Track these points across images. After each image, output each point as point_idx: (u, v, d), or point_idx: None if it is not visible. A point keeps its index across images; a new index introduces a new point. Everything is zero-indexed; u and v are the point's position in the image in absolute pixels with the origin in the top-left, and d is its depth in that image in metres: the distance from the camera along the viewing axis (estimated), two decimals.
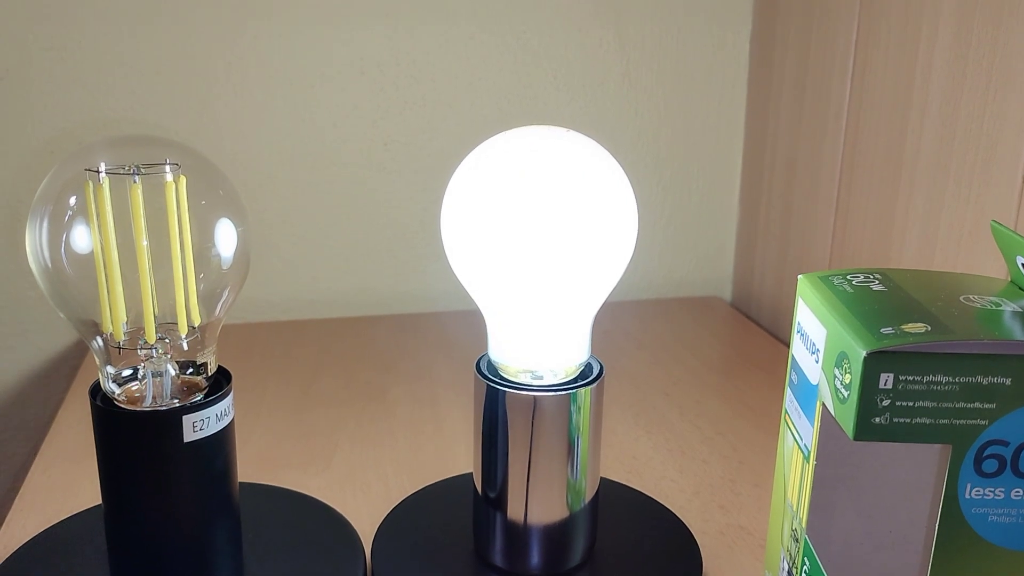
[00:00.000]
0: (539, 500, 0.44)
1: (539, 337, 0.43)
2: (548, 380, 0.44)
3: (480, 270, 0.42)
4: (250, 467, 0.58)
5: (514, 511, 0.44)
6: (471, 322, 0.85)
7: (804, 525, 0.37)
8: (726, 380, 0.73)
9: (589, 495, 0.45)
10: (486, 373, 0.44)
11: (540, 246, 0.40)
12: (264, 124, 0.84)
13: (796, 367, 0.39)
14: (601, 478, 0.48)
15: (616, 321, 0.87)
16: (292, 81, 0.83)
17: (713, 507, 0.54)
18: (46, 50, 0.78)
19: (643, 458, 0.60)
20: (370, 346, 0.81)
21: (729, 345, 0.83)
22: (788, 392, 0.40)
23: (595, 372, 0.45)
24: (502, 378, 0.44)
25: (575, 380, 0.44)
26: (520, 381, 0.44)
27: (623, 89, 0.90)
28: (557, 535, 0.45)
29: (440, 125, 0.87)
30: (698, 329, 0.86)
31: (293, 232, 0.88)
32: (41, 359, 0.86)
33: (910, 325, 0.33)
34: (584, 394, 0.43)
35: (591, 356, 0.46)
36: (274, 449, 0.62)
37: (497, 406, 0.43)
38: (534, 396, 0.42)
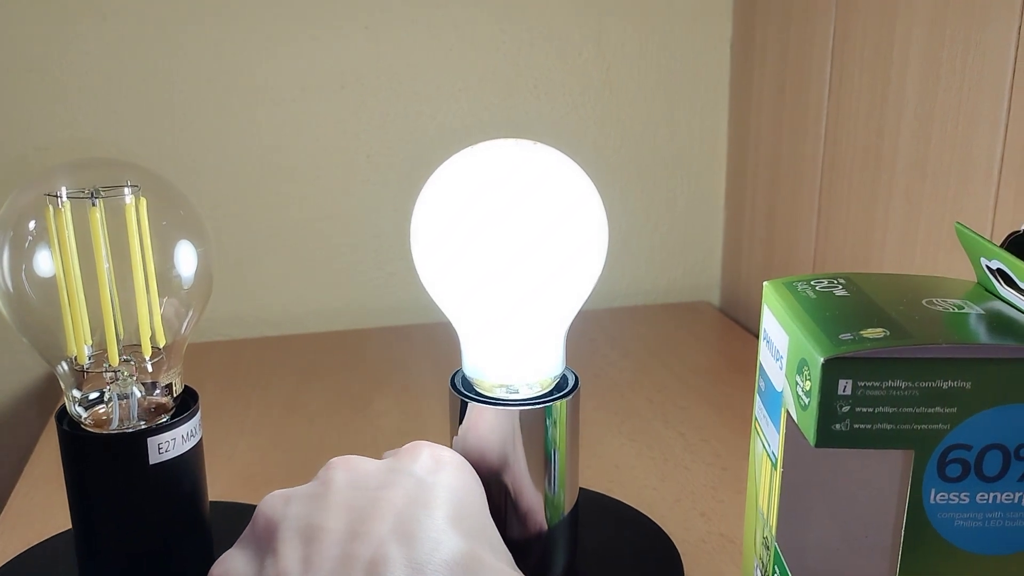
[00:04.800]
0: (516, 514, 0.44)
1: (512, 351, 0.43)
2: (523, 393, 0.44)
3: (449, 286, 0.42)
4: (234, 484, 0.58)
5: None
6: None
7: (774, 533, 0.37)
8: (712, 385, 0.73)
9: (568, 508, 0.45)
10: (460, 388, 0.44)
11: (508, 260, 0.40)
12: (247, 139, 0.84)
13: (763, 374, 0.39)
14: (581, 489, 0.47)
15: (603, 328, 0.87)
16: (273, 95, 0.83)
17: (694, 515, 0.54)
18: (5, 72, 0.79)
19: (625, 466, 0.60)
20: (356, 359, 0.81)
21: (716, 350, 0.82)
22: (757, 399, 0.40)
23: (570, 384, 0.45)
24: (477, 393, 0.44)
25: (550, 393, 0.44)
26: (495, 396, 0.43)
27: (605, 97, 0.90)
28: (536, 550, 0.44)
29: (422, 136, 0.87)
30: (685, 335, 0.86)
31: (278, 246, 0.88)
32: (27, 381, 0.86)
33: (869, 331, 0.33)
34: (560, 407, 0.43)
35: (566, 368, 0.46)
36: (258, 465, 0.61)
37: (466, 418, 0.43)
38: (508, 410, 0.42)
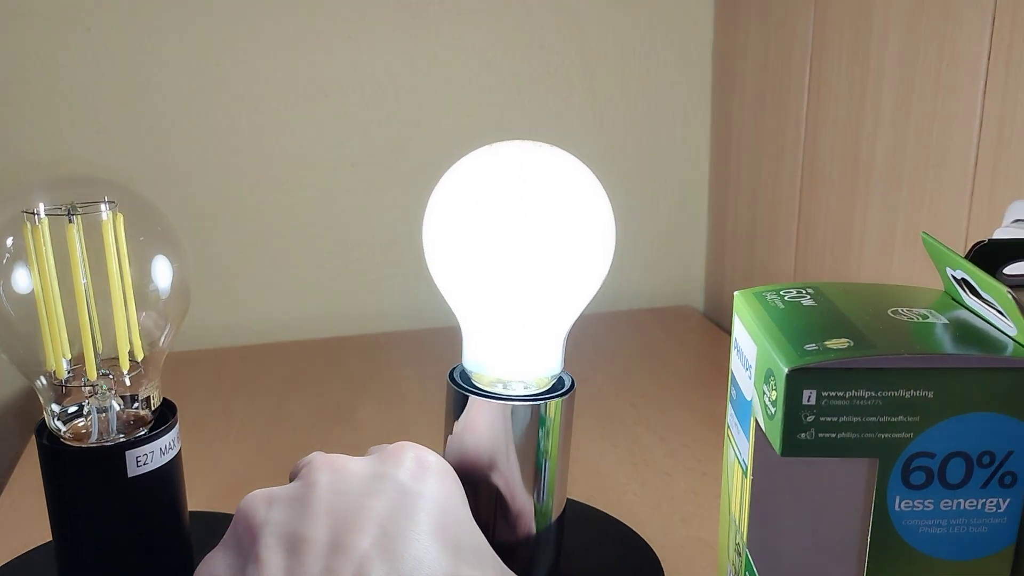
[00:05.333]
0: (506, 514, 0.44)
1: (512, 347, 0.44)
2: (519, 391, 0.44)
3: (457, 277, 0.42)
4: (217, 493, 0.59)
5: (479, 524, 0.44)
6: (441, 341, 0.85)
7: (745, 539, 0.38)
8: (694, 391, 0.74)
9: (556, 510, 0.45)
10: (458, 380, 0.44)
11: (516, 256, 0.41)
12: (231, 148, 0.84)
13: (734, 382, 0.40)
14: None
15: (587, 333, 0.87)
16: (257, 105, 0.84)
17: (674, 520, 0.55)
18: None
19: (606, 472, 0.61)
20: (340, 367, 0.81)
21: (699, 355, 0.83)
22: (729, 407, 0.41)
23: (567, 385, 0.45)
24: (474, 386, 0.44)
25: (547, 392, 0.44)
26: (493, 390, 0.44)
27: (588, 105, 0.90)
28: (523, 552, 0.45)
29: (406, 145, 0.88)
30: (669, 340, 0.86)
31: (262, 254, 0.88)
32: (8, 394, 0.86)
33: (833, 341, 0.33)
34: (554, 406, 0.43)
35: (563, 371, 0.46)
36: (241, 474, 0.62)
37: (462, 412, 0.43)
38: (505, 405, 0.42)
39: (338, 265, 0.90)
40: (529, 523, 0.44)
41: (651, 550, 0.50)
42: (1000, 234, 0.52)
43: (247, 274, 0.88)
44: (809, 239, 0.77)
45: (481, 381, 0.44)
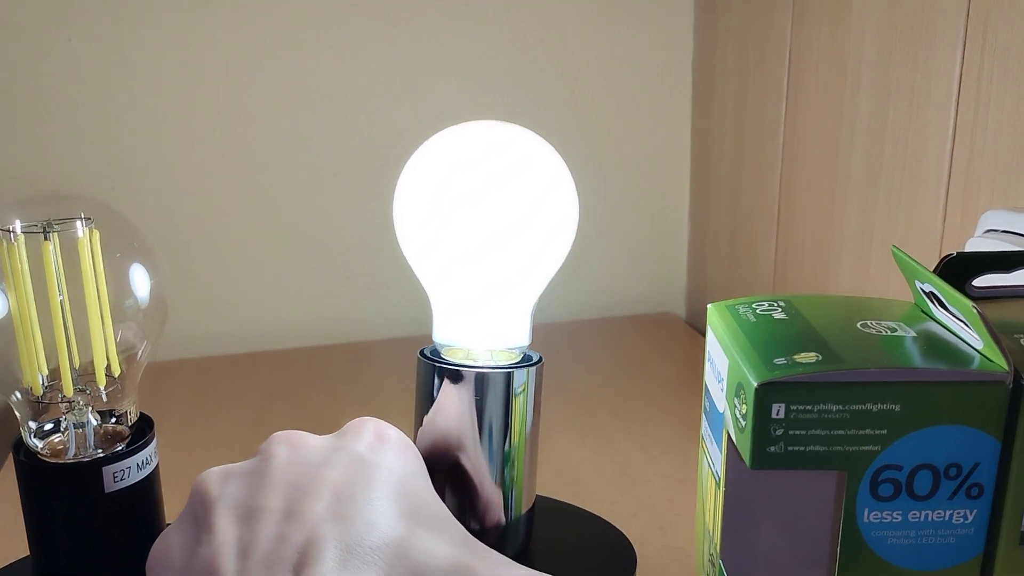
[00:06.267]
0: (474, 495, 0.44)
1: (479, 321, 0.44)
2: (486, 362, 0.45)
3: (424, 253, 0.43)
4: None
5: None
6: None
7: (718, 550, 0.38)
8: (675, 398, 0.74)
9: (526, 492, 0.45)
10: (428, 355, 0.45)
11: (481, 231, 0.42)
12: (213, 157, 0.85)
13: (708, 394, 0.40)
14: (538, 496, 0.48)
15: (570, 341, 0.88)
16: (239, 114, 0.84)
17: (652, 528, 0.55)
18: None
19: (586, 480, 0.61)
20: (323, 375, 0.81)
21: (680, 362, 0.83)
22: (703, 418, 0.41)
23: (535, 360, 0.46)
24: (445, 361, 0.44)
25: (516, 364, 0.45)
26: (462, 362, 0.44)
27: (570, 114, 0.91)
28: (492, 536, 0.45)
29: (389, 153, 0.88)
30: (650, 347, 0.87)
31: (245, 263, 0.88)
32: None
33: (802, 355, 0.34)
34: (521, 375, 0.43)
35: (531, 350, 0.47)
36: None
37: (433, 386, 0.43)
38: (474, 374, 0.42)
39: (320, 274, 0.90)
40: (498, 504, 0.44)
41: (620, 532, 0.50)
42: (972, 244, 0.53)
43: (229, 283, 0.88)
44: (789, 246, 0.78)
45: (451, 356, 0.44)
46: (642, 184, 0.95)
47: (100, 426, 0.40)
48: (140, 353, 0.41)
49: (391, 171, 0.88)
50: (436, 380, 0.43)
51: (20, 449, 0.40)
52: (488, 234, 0.42)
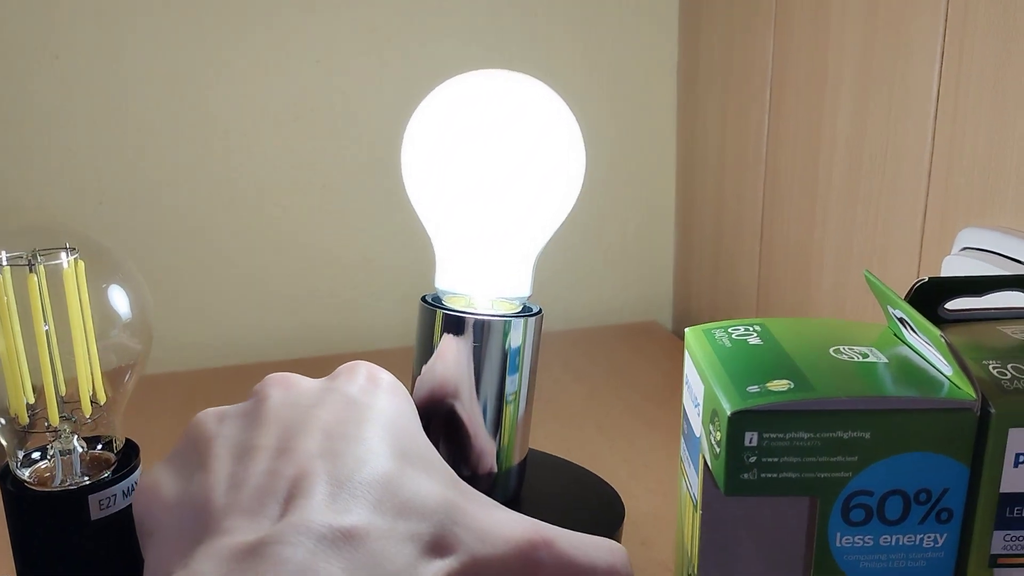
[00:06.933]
0: (466, 442, 0.44)
1: (480, 266, 0.45)
2: (486, 310, 0.45)
3: (428, 197, 0.44)
4: None
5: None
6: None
7: (696, 572, 0.39)
8: (660, 410, 0.75)
9: (519, 443, 0.46)
10: (429, 300, 0.45)
11: (482, 175, 0.42)
12: (202, 170, 0.85)
13: (686, 418, 0.41)
14: (531, 449, 0.48)
15: (557, 352, 0.88)
16: (227, 128, 0.84)
17: (635, 543, 0.56)
18: None
19: None
20: None
21: (665, 373, 0.84)
22: (682, 441, 0.42)
23: (534, 311, 0.46)
24: (444, 306, 0.45)
25: (513, 314, 0.45)
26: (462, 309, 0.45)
27: None
28: (483, 483, 0.45)
29: (377, 166, 0.88)
30: (637, 357, 0.87)
31: (234, 277, 0.89)
32: None
33: (775, 383, 0.34)
34: (519, 324, 0.44)
35: (532, 303, 0.47)
36: None
37: (433, 332, 0.44)
38: (472, 319, 0.43)
39: (309, 287, 0.91)
40: (491, 452, 0.45)
41: (610, 487, 0.51)
42: (949, 261, 0.54)
43: (219, 296, 0.89)
44: (772, 257, 0.78)
45: (451, 303, 0.45)
46: (629, 194, 0.96)
47: (86, 452, 0.41)
48: (125, 380, 0.41)
49: (379, 184, 0.89)
50: (436, 326, 0.44)
51: (6, 477, 0.40)
52: (489, 174, 0.42)
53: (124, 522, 0.40)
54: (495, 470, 0.45)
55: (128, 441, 0.42)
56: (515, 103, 0.44)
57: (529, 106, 0.44)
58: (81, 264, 0.39)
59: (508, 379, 0.44)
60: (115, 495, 0.39)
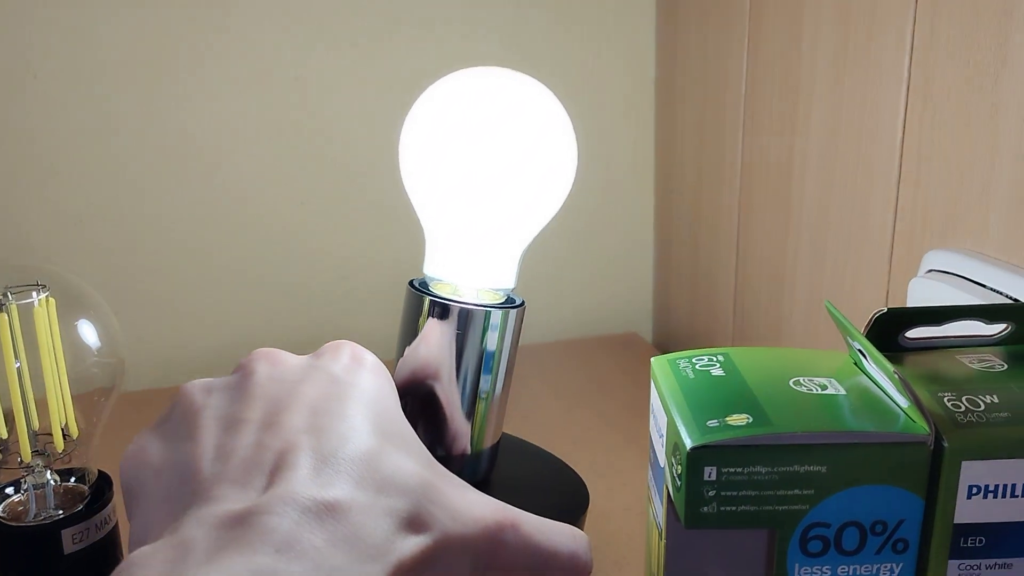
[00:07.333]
0: (442, 425, 0.45)
1: (469, 258, 0.46)
2: (471, 299, 0.46)
3: (422, 187, 0.45)
4: None
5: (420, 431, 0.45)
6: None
7: None
8: (638, 425, 0.75)
9: (491, 429, 0.47)
10: (416, 286, 0.46)
11: (476, 171, 0.43)
12: (182, 188, 0.85)
13: (652, 447, 0.41)
14: (504, 433, 0.49)
15: (536, 364, 0.89)
16: (207, 145, 0.85)
17: (607, 563, 0.56)
18: None
19: None
20: None
21: (644, 385, 0.85)
22: (648, 469, 0.43)
23: (516, 304, 0.47)
24: (431, 292, 0.46)
25: (496, 304, 0.46)
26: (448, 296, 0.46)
27: None
28: (455, 463, 0.46)
29: (355, 182, 0.89)
30: (615, 369, 0.88)
31: (214, 293, 0.89)
32: None
33: (734, 417, 0.35)
34: (501, 315, 0.45)
35: (515, 294, 0.48)
36: None
37: (418, 316, 0.44)
38: (457, 307, 0.44)
39: (288, 303, 0.91)
40: (465, 435, 0.46)
41: (575, 473, 0.52)
42: (914, 284, 0.54)
43: (197, 313, 0.89)
44: (748, 271, 0.79)
45: (438, 289, 0.46)
46: (608, 206, 0.96)
47: (60, 485, 0.41)
48: (98, 413, 0.42)
49: (358, 200, 0.89)
50: (422, 311, 0.45)
51: None
52: (486, 169, 0.43)
53: (97, 555, 0.41)
54: (468, 451, 0.46)
55: (101, 473, 0.43)
56: (516, 100, 0.45)
57: (530, 104, 0.46)
58: (52, 301, 0.39)
59: (486, 367, 0.45)
60: (88, 529, 0.40)
